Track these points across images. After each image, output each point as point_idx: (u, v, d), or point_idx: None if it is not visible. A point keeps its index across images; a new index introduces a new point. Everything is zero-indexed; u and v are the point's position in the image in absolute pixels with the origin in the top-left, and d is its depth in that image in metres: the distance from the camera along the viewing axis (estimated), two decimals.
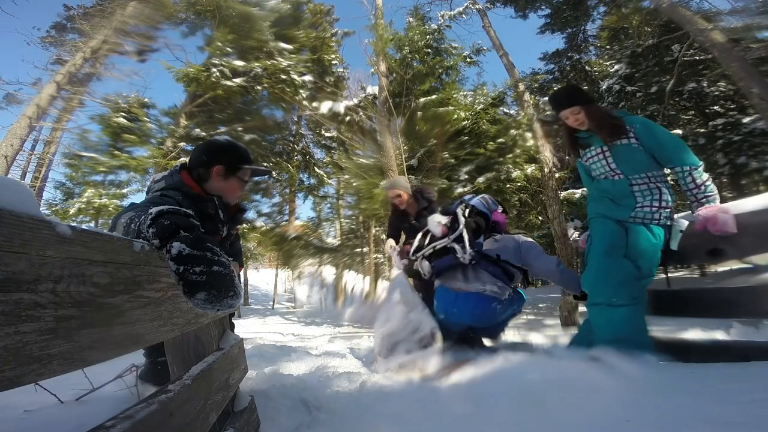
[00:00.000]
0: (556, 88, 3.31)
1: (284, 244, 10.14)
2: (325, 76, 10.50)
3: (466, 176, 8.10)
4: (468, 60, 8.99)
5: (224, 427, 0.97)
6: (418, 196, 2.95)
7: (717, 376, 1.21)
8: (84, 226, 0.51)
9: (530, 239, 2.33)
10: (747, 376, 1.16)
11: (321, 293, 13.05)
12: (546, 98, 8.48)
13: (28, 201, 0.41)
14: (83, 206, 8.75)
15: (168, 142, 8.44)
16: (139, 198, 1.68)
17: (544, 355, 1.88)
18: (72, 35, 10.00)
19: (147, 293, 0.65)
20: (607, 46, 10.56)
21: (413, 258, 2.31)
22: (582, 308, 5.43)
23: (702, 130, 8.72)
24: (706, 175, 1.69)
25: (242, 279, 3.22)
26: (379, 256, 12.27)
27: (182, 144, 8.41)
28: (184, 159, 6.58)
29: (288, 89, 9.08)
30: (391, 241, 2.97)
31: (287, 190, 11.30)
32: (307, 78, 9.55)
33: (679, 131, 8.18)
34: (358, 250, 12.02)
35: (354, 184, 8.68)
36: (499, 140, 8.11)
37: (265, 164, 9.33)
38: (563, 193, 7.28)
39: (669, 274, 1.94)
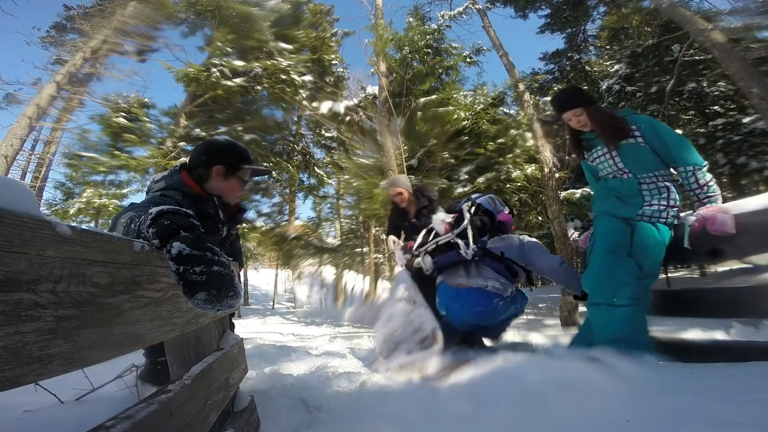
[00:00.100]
0: (558, 90, 3.30)
1: (284, 244, 10.13)
2: (325, 76, 10.50)
3: (466, 176, 8.10)
4: (468, 60, 8.99)
5: (224, 427, 0.97)
6: (418, 195, 2.96)
7: (717, 376, 1.21)
8: (84, 226, 0.51)
9: (534, 239, 2.33)
10: (747, 376, 1.16)
11: (321, 293, 13.06)
12: (546, 98, 8.48)
13: (28, 201, 0.41)
14: (83, 206, 8.74)
15: (168, 142, 8.43)
16: (139, 198, 1.68)
17: (544, 355, 1.88)
18: (72, 35, 10.00)
19: (147, 293, 0.65)
20: (607, 46, 10.57)
21: (415, 253, 2.31)
22: (582, 308, 5.43)
23: (702, 130, 8.72)
24: (709, 176, 1.69)
25: (242, 279, 3.22)
26: (379, 256, 12.27)
27: (182, 144, 8.41)
28: (184, 159, 6.58)
29: (288, 89, 9.08)
30: (393, 237, 2.97)
31: (287, 190, 11.29)
32: (307, 78, 9.54)
33: (679, 131, 8.16)
34: (358, 250, 12.01)
35: (354, 184, 8.67)
36: (499, 140, 8.10)
37: (265, 164, 9.32)
38: (563, 193, 7.28)
39: (669, 274, 1.94)
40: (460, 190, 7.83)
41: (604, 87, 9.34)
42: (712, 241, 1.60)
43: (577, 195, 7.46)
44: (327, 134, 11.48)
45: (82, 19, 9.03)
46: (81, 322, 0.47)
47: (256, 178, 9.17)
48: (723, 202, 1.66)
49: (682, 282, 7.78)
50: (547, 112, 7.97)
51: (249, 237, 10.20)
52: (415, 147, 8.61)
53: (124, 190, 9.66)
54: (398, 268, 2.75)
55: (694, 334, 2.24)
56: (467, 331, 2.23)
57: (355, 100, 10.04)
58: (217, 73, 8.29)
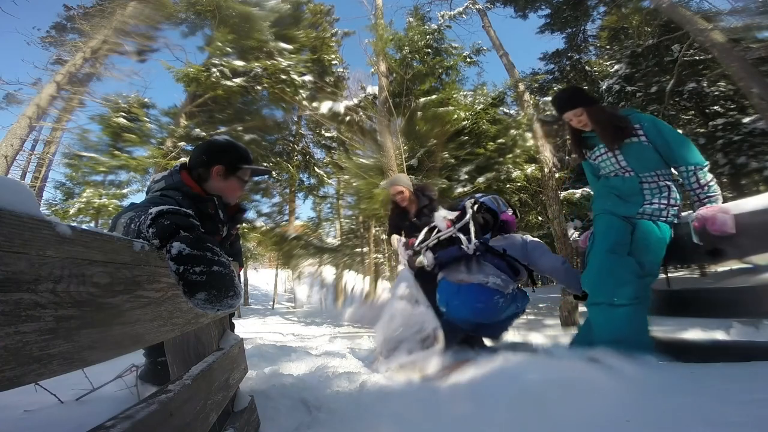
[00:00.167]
0: (558, 90, 3.31)
1: (284, 244, 10.13)
2: (325, 76, 10.50)
3: (466, 176, 8.10)
4: (468, 60, 8.99)
5: (224, 427, 0.97)
6: (419, 194, 2.96)
7: (717, 376, 1.21)
8: (84, 226, 0.51)
9: (537, 239, 2.33)
10: (747, 376, 1.16)
11: (321, 293, 13.04)
12: (546, 98, 8.49)
13: (28, 201, 0.41)
14: (83, 206, 8.74)
15: (168, 142, 8.43)
16: (139, 198, 1.68)
17: (544, 355, 1.88)
18: (72, 35, 10.00)
19: (147, 293, 0.65)
20: (607, 46, 10.56)
21: (417, 249, 2.30)
22: (582, 308, 5.43)
23: (702, 130, 8.73)
24: (710, 176, 1.69)
25: (242, 279, 3.21)
26: (379, 256, 12.28)
27: (182, 144, 8.41)
28: (184, 159, 6.58)
29: (288, 89, 9.08)
30: (396, 235, 2.97)
31: (287, 190, 11.29)
32: (307, 78, 9.54)
33: (679, 131, 8.17)
34: (358, 250, 12.01)
35: (354, 184, 8.67)
36: (499, 140, 8.10)
37: (265, 164, 9.32)
38: (563, 193, 7.28)
39: (669, 274, 1.94)
40: (460, 190, 7.83)
41: (604, 87, 9.34)
42: (712, 241, 1.60)
43: (577, 195, 7.46)
44: (327, 134, 11.49)
45: (82, 19, 9.03)
46: (81, 322, 0.47)
47: (256, 178, 9.17)
48: (723, 202, 1.66)
49: (682, 282, 7.77)
50: (547, 112, 7.97)
51: (249, 237, 10.20)
52: (415, 147, 8.61)
53: (124, 190, 9.67)
54: (401, 267, 2.75)
55: (694, 334, 2.24)
56: (468, 331, 2.22)
57: (355, 100, 10.04)
58: (217, 73, 8.29)
